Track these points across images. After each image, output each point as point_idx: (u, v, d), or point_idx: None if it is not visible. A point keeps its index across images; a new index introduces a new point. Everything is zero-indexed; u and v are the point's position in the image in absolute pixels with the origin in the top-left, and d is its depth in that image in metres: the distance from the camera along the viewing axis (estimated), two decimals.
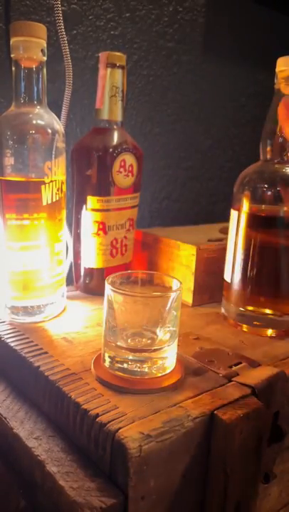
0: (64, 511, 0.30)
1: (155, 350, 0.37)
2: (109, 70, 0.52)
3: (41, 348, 0.42)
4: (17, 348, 0.42)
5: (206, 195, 0.88)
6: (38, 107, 0.46)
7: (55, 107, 0.59)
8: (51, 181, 0.46)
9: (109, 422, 0.31)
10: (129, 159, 0.55)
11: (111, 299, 0.37)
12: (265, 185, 0.48)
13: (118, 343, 0.37)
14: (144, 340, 0.37)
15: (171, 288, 0.39)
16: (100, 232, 0.55)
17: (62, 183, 0.48)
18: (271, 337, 0.48)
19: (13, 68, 0.45)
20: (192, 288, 0.56)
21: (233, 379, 0.38)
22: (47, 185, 0.46)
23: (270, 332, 0.48)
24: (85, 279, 0.59)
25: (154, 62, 0.75)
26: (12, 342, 0.43)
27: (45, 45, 0.45)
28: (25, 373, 0.40)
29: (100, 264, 0.57)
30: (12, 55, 0.44)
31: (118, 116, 0.54)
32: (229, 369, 0.39)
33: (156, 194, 0.82)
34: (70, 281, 0.61)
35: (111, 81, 0.52)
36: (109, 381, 0.36)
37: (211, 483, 0.35)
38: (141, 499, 0.30)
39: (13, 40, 0.44)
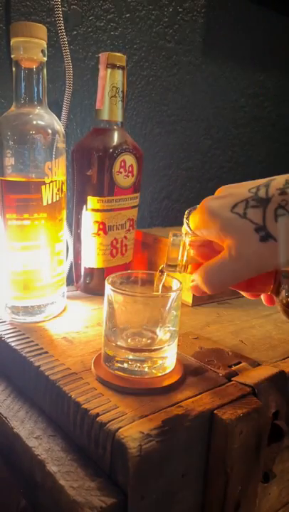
0: (64, 510, 0.30)
1: (155, 349, 0.37)
2: (109, 70, 0.52)
3: (42, 348, 0.42)
4: (17, 347, 0.42)
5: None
6: (39, 107, 0.46)
7: (56, 108, 0.59)
8: (51, 181, 0.46)
9: (109, 421, 0.31)
10: (130, 159, 0.55)
11: (111, 298, 0.37)
12: None
13: (118, 343, 0.37)
14: (144, 340, 0.38)
15: (171, 288, 0.39)
16: (100, 232, 0.55)
17: (62, 183, 0.48)
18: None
19: (14, 69, 0.45)
20: (191, 291, 0.56)
21: (233, 379, 0.38)
22: (47, 185, 0.46)
23: None
24: (86, 279, 0.59)
25: (154, 63, 0.75)
26: (12, 342, 0.43)
27: (46, 45, 0.45)
28: (26, 373, 0.40)
29: (100, 264, 0.57)
30: (12, 56, 0.45)
31: (118, 116, 0.54)
32: (229, 369, 0.39)
33: (156, 194, 0.82)
34: (70, 281, 0.61)
35: (111, 81, 0.52)
36: (109, 381, 0.36)
37: (211, 483, 0.35)
38: (141, 499, 0.30)
39: (13, 41, 0.44)
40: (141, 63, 0.73)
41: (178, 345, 0.40)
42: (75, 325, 0.48)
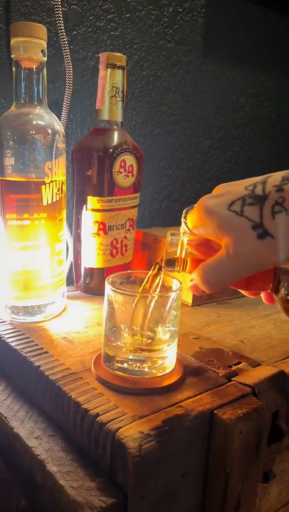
0: (64, 510, 0.30)
1: (155, 350, 0.37)
2: (109, 70, 0.52)
3: (42, 348, 0.42)
4: (17, 347, 0.42)
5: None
6: (39, 107, 0.46)
7: (56, 108, 0.59)
8: (51, 181, 0.46)
9: (109, 421, 0.31)
10: (130, 159, 0.55)
11: (111, 298, 0.37)
12: None
13: (118, 343, 0.37)
14: (144, 340, 0.37)
15: (171, 288, 0.39)
16: (100, 232, 0.55)
17: (62, 183, 0.48)
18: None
19: (14, 69, 0.45)
20: (190, 291, 0.56)
21: (233, 379, 0.38)
22: (47, 185, 0.46)
23: None
24: (86, 279, 0.59)
25: (154, 63, 0.75)
26: (12, 342, 0.43)
27: (46, 45, 0.45)
28: (26, 373, 0.40)
29: (100, 264, 0.57)
30: (12, 56, 0.45)
31: (118, 116, 0.54)
32: (229, 369, 0.39)
33: (156, 194, 0.82)
34: (70, 281, 0.61)
35: (111, 81, 0.52)
36: (109, 381, 0.36)
37: (211, 483, 0.35)
38: (141, 499, 0.30)
39: (13, 41, 0.44)
40: (141, 63, 0.73)
41: (178, 345, 0.40)
42: (75, 325, 0.48)
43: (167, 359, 0.38)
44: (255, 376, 0.38)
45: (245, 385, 0.37)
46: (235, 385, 0.37)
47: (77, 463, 0.33)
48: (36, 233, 0.47)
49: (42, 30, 0.44)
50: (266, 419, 0.36)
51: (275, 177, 0.30)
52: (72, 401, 0.34)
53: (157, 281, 0.37)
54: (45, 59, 0.45)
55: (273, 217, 0.29)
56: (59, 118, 0.56)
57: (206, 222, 0.32)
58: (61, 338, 0.45)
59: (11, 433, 0.37)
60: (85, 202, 0.55)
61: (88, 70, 0.66)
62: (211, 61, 0.83)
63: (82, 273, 0.58)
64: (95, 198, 0.54)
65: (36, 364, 0.39)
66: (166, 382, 0.36)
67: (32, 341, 0.43)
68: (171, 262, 0.36)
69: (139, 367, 0.37)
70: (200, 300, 0.57)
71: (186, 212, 0.35)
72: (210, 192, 0.34)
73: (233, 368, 0.40)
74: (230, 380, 0.38)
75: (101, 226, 0.55)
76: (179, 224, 0.36)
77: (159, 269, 0.37)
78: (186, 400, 0.35)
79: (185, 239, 0.36)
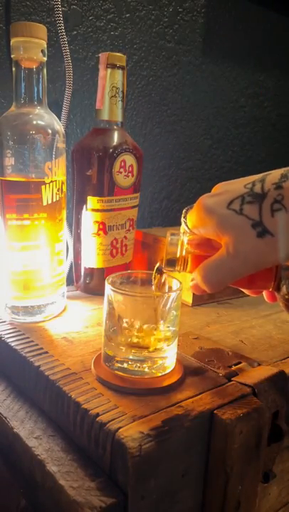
0: (64, 510, 0.30)
1: (155, 350, 0.37)
2: (109, 70, 0.52)
3: (42, 348, 0.42)
4: (17, 347, 0.42)
5: None
6: (39, 107, 0.46)
7: (56, 108, 0.59)
8: (51, 181, 0.46)
9: (109, 421, 0.31)
10: (130, 159, 0.55)
11: (111, 298, 0.37)
12: None
13: (118, 342, 0.37)
14: (143, 339, 0.37)
15: (171, 288, 0.39)
16: (100, 232, 0.55)
17: (62, 183, 0.48)
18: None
19: (14, 69, 0.45)
20: (191, 290, 0.56)
21: (233, 379, 0.38)
22: (47, 185, 0.46)
23: None
24: (86, 279, 0.59)
25: (154, 63, 0.75)
26: (12, 342, 0.43)
27: (46, 45, 0.45)
28: (26, 373, 0.40)
29: (100, 264, 0.57)
30: (12, 56, 0.45)
31: (118, 116, 0.54)
32: (229, 369, 0.39)
33: (156, 194, 0.82)
34: (70, 281, 0.61)
35: (111, 81, 0.52)
36: (109, 381, 0.36)
37: (211, 483, 0.35)
38: (141, 499, 0.30)
39: (13, 41, 0.44)
40: (141, 63, 0.73)
41: (178, 345, 0.40)
42: (75, 325, 0.48)
43: (167, 359, 0.38)
44: (255, 376, 0.38)
45: (245, 385, 0.37)
46: (235, 385, 0.37)
47: (77, 463, 0.33)
48: (36, 233, 0.47)
49: (42, 30, 0.44)
50: (266, 419, 0.36)
51: (274, 175, 0.30)
52: (72, 401, 0.34)
53: (160, 280, 0.37)
54: (45, 59, 0.45)
55: (272, 215, 0.29)
56: (59, 118, 0.56)
57: (206, 222, 0.32)
58: (61, 338, 0.45)
59: (10, 433, 0.37)
60: (85, 202, 0.55)
61: (88, 70, 0.66)
62: (211, 61, 0.83)
63: (82, 273, 0.58)
64: (95, 198, 0.54)
65: (36, 364, 0.39)
66: (166, 382, 0.36)
67: (32, 341, 0.43)
68: (171, 262, 0.36)
69: (139, 367, 0.37)
70: (200, 300, 0.57)
71: (186, 212, 0.34)
72: (210, 192, 0.34)
73: (233, 368, 0.40)
74: (230, 380, 0.38)
75: (101, 226, 0.55)
76: (179, 224, 0.36)
77: (160, 270, 0.37)
78: (186, 400, 0.35)
79: (185, 238, 0.36)
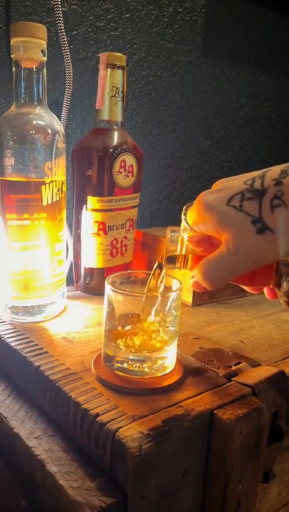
0: (64, 510, 0.30)
1: (155, 350, 0.37)
2: (109, 70, 0.52)
3: (41, 348, 0.42)
4: (17, 347, 0.42)
5: None
6: (39, 107, 0.46)
7: (56, 108, 0.59)
8: (51, 181, 0.46)
9: (109, 421, 0.31)
10: (129, 159, 0.55)
11: (111, 298, 0.37)
12: None
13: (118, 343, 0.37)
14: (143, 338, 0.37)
15: (171, 288, 0.39)
16: (100, 232, 0.55)
17: (62, 183, 0.48)
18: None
19: (14, 69, 0.45)
20: (192, 288, 0.56)
21: (233, 379, 0.38)
22: (47, 185, 0.46)
23: None
24: (85, 279, 0.59)
25: (154, 63, 0.75)
26: (12, 342, 0.43)
27: (46, 45, 0.45)
28: (26, 373, 0.40)
29: (100, 264, 0.57)
30: (12, 56, 0.45)
31: (118, 116, 0.54)
32: (229, 369, 0.39)
33: (156, 194, 0.82)
34: (70, 281, 0.61)
35: (111, 81, 0.52)
36: (109, 381, 0.36)
37: (211, 483, 0.35)
38: (141, 499, 0.30)
39: (13, 41, 0.44)
40: (141, 63, 0.73)
41: (178, 345, 0.40)
42: (75, 325, 0.48)
43: (167, 359, 0.38)
44: (255, 376, 0.38)
45: (245, 385, 0.37)
46: (235, 385, 0.37)
47: (77, 463, 0.33)
48: (36, 233, 0.47)
49: (42, 30, 0.44)
50: (266, 419, 0.36)
51: (274, 171, 0.30)
52: (72, 401, 0.34)
53: (161, 278, 0.37)
54: (45, 59, 0.45)
55: (272, 211, 0.29)
56: (59, 118, 0.56)
57: (206, 218, 0.32)
58: (61, 338, 0.45)
59: (10, 433, 0.37)
60: (85, 202, 0.55)
61: (88, 70, 0.66)
62: (211, 61, 0.83)
63: (82, 273, 0.58)
64: (95, 198, 0.54)
65: (36, 364, 0.39)
66: (166, 382, 0.36)
67: (32, 341, 0.43)
68: (171, 259, 0.36)
69: (139, 367, 0.37)
70: (200, 300, 0.57)
71: (186, 209, 0.34)
72: None
73: (233, 368, 0.40)
74: (230, 380, 0.38)
75: (101, 226, 0.55)
76: (179, 224, 0.36)
77: (160, 267, 0.37)
78: (186, 400, 0.35)
79: (185, 236, 0.35)
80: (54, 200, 0.47)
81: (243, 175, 0.32)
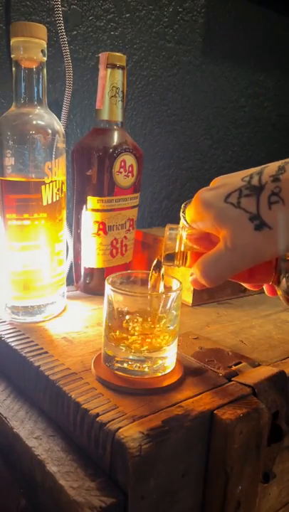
0: (64, 510, 0.30)
1: (155, 350, 0.37)
2: (109, 70, 0.52)
3: (41, 348, 0.42)
4: (17, 347, 0.42)
5: None
6: (39, 107, 0.46)
7: (56, 108, 0.59)
8: (51, 181, 0.46)
9: (109, 421, 0.31)
10: (130, 159, 0.55)
11: (111, 298, 0.37)
12: None
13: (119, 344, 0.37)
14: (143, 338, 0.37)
15: (171, 288, 0.39)
16: (100, 232, 0.55)
17: (62, 183, 0.48)
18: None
19: (14, 69, 0.45)
20: (192, 288, 0.56)
21: (233, 379, 0.38)
22: (47, 185, 0.46)
23: None
24: (85, 279, 0.59)
25: (154, 63, 0.75)
26: (12, 342, 0.43)
27: (46, 45, 0.45)
28: (26, 373, 0.40)
29: (100, 264, 0.57)
30: (12, 56, 0.45)
31: (118, 116, 0.54)
32: (229, 369, 0.39)
33: (156, 194, 0.82)
34: (70, 281, 0.61)
35: (111, 81, 0.52)
36: (109, 381, 0.36)
37: (211, 483, 0.35)
38: (141, 499, 0.30)
39: (13, 41, 0.44)
40: (141, 63, 0.73)
41: (178, 345, 0.40)
42: (75, 325, 0.48)
43: (167, 359, 0.38)
44: (255, 376, 0.38)
45: (245, 385, 0.37)
46: (235, 385, 0.37)
47: (77, 463, 0.33)
48: (36, 233, 0.47)
49: (42, 30, 0.44)
50: (266, 419, 0.36)
51: (272, 167, 0.30)
52: (72, 401, 0.34)
53: (160, 276, 0.37)
54: (45, 59, 0.45)
55: (270, 207, 0.29)
56: (59, 118, 0.56)
57: (204, 215, 0.31)
58: (61, 338, 0.45)
59: (10, 433, 0.37)
60: (85, 202, 0.55)
61: (88, 70, 0.66)
62: (211, 61, 0.83)
63: (82, 273, 0.58)
64: (95, 198, 0.54)
65: (36, 364, 0.39)
66: (166, 383, 0.36)
67: (32, 341, 0.43)
68: (170, 257, 0.36)
69: (139, 367, 0.37)
70: (200, 300, 0.57)
71: (185, 207, 0.34)
72: None
73: (233, 368, 0.40)
74: (230, 380, 0.38)
75: (101, 226, 0.55)
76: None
77: (159, 264, 0.37)
78: (186, 400, 0.35)
79: (184, 233, 0.35)
80: (54, 200, 0.47)
81: (241, 172, 0.32)
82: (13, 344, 0.43)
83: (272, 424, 0.38)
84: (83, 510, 0.29)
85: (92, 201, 0.54)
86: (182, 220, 0.35)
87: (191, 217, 0.33)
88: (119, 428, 0.31)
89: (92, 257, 0.57)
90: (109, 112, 0.54)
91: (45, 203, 0.46)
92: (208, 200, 0.31)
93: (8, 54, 0.57)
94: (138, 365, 0.37)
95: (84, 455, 0.33)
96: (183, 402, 0.34)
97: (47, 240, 0.48)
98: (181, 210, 0.35)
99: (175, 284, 0.38)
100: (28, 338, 0.44)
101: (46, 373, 0.38)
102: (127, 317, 0.37)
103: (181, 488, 0.33)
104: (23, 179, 0.45)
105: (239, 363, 0.41)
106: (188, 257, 0.36)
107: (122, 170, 0.54)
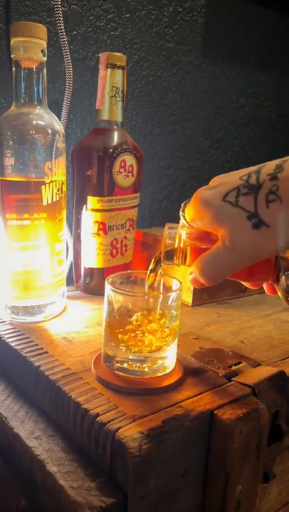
0: (64, 510, 0.30)
1: (155, 350, 0.37)
2: (109, 70, 0.52)
3: (41, 348, 0.42)
4: (17, 347, 0.42)
5: None
6: (39, 107, 0.46)
7: (56, 108, 0.59)
8: (51, 181, 0.46)
9: (109, 421, 0.31)
10: (129, 159, 0.55)
11: (111, 298, 0.37)
12: None
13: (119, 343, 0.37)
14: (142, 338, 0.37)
15: (171, 288, 0.39)
16: (100, 232, 0.55)
17: (62, 183, 0.48)
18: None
19: (14, 69, 0.45)
20: (192, 288, 0.56)
21: (233, 379, 0.38)
22: (47, 185, 0.46)
23: None
24: (85, 279, 0.59)
25: (154, 63, 0.75)
26: (12, 342, 0.43)
27: (46, 45, 0.45)
28: (26, 373, 0.40)
29: (100, 264, 0.57)
30: (12, 56, 0.45)
31: (118, 116, 0.54)
32: (229, 369, 0.39)
33: (156, 194, 0.82)
34: (70, 281, 0.61)
35: (111, 81, 0.52)
36: (109, 381, 0.36)
37: (211, 483, 0.35)
38: (141, 499, 0.30)
39: (13, 41, 0.44)
40: (141, 63, 0.73)
41: (178, 345, 0.40)
42: (75, 325, 0.48)
43: (167, 359, 0.38)
44: (255, 376, 0.38)
45: (245, 385, 0.37)
46: (235, 385, 0.37)
47: (77, 463, 0.33)
48: (36, 233, 0.47)
49: (42, 30, 0.44)
50: (266, 420, 0.36)
51: (269, 166, 0.30)
52: (72, 401, 0.34)
53: (159, 273, 0.37)
54: (45, 59, 0.45)
55: (268, 206, 0.29)
56: (59, 118, 0.56)
57: (203, 214, 0.32)
58: (61, 338, 0.45)
59: (10, 433, 0.37)
60: (85, 202, 0.55)
61: (88, 70, 0.66)
62: (211, 61, 0.83)
63: (82, 273, 0.58)
64: (95, 198, 0.54)
65: (36, 364, 0.39)
66: (166, 383, 0.36)
67: (32, 341, 0.43)
68: (169, 255, 0.36)
69: (139, 367, 0.37)
70: (200, 300, 0.57)
71: (184, 206, 0.34)
72: None
73: (233, 368, 0.40)
74: (230, 380, 0.38)
75: (101, 226, 0.55)
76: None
77: (158, 262, 0.37)
78: (186, 400, 0.35)
79: (183, 232, 0.35)
80: (54, 200, 0.47)
81: (239, 171, 0.32)
82: (13, 344, 0.43)
83: (272, 424, 0.38)
84: (83, 510, 0.29)
85: (92, 201, 0.54)
86: (181, 219, 0.35)
87: (190, 216, 0.33)
88: (119, 428, 0.31)
89: (92, 257, 0.57)
90: (109, 111, 0.54)
91: (45, 203, 0.46)
92: (207, 199, 0.31)
93: (8, 54, 0.57)
94: (138, 365, 0.37)
95: (84, 455, 0.33)
96: (183, 402, 0.34)
97: (47, 239, 0.48)
98: (181, 209, 0.35)
99: (175, 284, 0.38)
100: (28, 338, 0.44)
101: (46, 373, 0.38)
102: (127, 317, 0.37)
103: (181, 488, 0.33)
104: (23, 179, 0.45)
105: (239, 363, 0.41)
106: (188, 256, 0.36)
107: (122, 170, 0.54)
